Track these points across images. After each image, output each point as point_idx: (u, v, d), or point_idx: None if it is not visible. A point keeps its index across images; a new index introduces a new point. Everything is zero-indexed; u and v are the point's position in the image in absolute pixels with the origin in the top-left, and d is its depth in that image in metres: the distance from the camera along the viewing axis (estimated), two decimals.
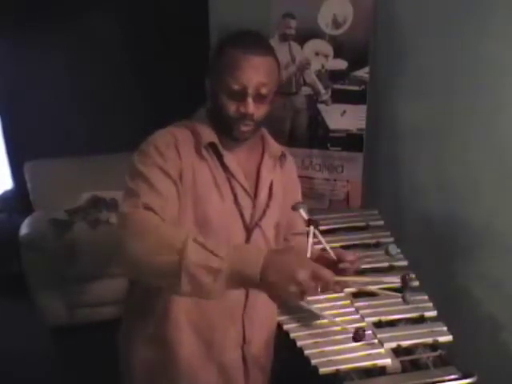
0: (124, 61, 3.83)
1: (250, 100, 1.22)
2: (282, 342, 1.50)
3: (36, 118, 3.72)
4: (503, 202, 1.88)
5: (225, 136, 1.30)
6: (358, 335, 1.21)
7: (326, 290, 1.13)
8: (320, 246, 1.32)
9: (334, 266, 1.26)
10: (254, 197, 1.35)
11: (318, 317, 1.52)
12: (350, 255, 1.29)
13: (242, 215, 1.32)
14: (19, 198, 3.76)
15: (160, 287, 1.21)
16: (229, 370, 1.41)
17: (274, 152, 1.40)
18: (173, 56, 3.68)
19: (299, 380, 1.57)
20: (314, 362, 1.36)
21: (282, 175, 1.43)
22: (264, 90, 1.22)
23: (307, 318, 1.53)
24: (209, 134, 1.30)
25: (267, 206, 1.36)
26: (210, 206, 1.28)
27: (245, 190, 1.33)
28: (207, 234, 1.25)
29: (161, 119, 1.44)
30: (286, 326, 1.50)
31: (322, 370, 1.33)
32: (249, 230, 1.33)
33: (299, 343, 1.43)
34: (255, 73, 1.21)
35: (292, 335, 1.46)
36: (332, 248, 1.30)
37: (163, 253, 1.06)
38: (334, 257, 1.27)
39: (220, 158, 1.31)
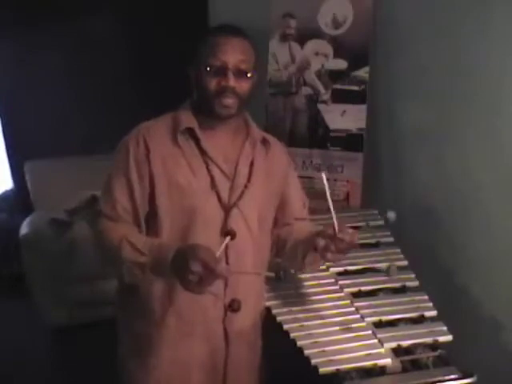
0: (124, 61, 3.83)
1: (230, 74, 1.31)
2: (280, 340, 1.50)
3: (36, 118, 3.71)
4: (503, 202, 1.88)
5: (208, 117, 1.37)
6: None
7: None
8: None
9: (333, 238, 1.31)
10: (233, 179, 1.40)
11: (316, 310, 1.52)
12: (349, 229, 1.35)
13: (218, 196, 1.37)
14: (19, 198, 3.75)
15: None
16: (210, 341, 1.44)
17: (255, 137, 1.46)
18: (173, 56, 3.67)
19: (299, 380, 1.57)
20: (314, 361, 1.36)
21: (265, 161, 1.47)
22: (243, 66, 1.33)
23: (307, 318, 1.53)
24: (187, 120, 1.38)
25: (245, 187, 1.41)
26: (183, 189, 1.35)
27: (222, 172, 1.39)
28: (184, 215, 1.35)
29: None
30: (285, 326, 1.50)
31: (322, 370, 1.34)
32: (226, 210, 1.38)
33: (299, 343, 1.43)
34: (234, 50, 1.32)
35: (292, 335, 1.46)
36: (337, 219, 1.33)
37: (112, 250, 1.31)
38: (337, 226, 1.31)
39: (198, 142, 1.37)
